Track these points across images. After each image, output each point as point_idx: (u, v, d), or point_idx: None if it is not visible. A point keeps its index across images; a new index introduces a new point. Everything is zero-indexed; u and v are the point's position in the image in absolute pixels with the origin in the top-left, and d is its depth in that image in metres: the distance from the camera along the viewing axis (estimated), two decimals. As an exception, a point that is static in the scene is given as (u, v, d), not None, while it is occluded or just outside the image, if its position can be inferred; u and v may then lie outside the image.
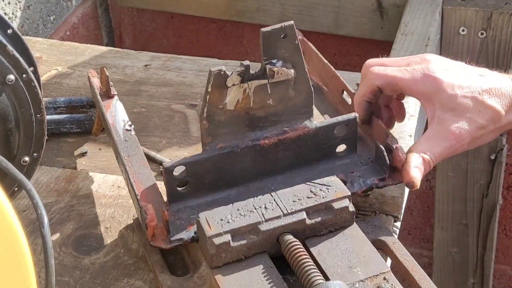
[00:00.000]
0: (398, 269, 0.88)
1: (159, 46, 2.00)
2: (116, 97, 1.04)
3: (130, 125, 1.00)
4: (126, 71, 1.32)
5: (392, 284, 0.83)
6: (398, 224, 1.01)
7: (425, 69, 0.93)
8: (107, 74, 1.04)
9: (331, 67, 1.07)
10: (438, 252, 1.95)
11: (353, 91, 1.02)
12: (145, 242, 0.92)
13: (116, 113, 1.01)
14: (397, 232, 1.01)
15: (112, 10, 1.92)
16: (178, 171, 0.89)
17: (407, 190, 1.08)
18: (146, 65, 1.33)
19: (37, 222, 0.71)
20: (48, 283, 0.71)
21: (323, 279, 0.81)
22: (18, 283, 0.63)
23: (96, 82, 1.06)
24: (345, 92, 1.04)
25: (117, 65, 1.34)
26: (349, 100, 1.03)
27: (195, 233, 0.88)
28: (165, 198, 0.91)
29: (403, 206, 1.04)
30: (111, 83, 1.04)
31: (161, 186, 0.91)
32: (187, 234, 0.88)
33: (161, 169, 1.08)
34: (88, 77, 1.08)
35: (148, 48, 1.97)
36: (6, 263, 0.62)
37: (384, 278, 0.84)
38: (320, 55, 1.09)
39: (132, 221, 1.00)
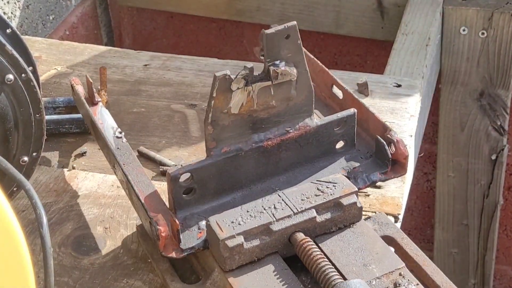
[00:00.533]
0: (409, 264, 0.88)
1: (158, 45, 2.00)
2: (100, 104, 1.03)
3: (120, 132, 0.99)
4: (126, 70, 1.32)
5: (408, 279, 0.83)
6: (398, 224, 1.01)
7: None
8: (91, 81, 1.03)
9: (318, 62, 1.07)
10: (438, 253, 1.95)
11: (343, 85, 1.02)
12: (152, 251, 0.92)
13: (104, 121, 1.00)
14: (398, 233, 1.01)
15: (111, 10, 1.92)
16: (183, 178, 0.89)
17: (407, 190, 1.08)
18: (145, 65, 1.33)
19: (36, 222, 0.71)
20: (47, 283, 0.71)
21: (341, 279, 0.82)
22: (17, 283, 0.63)
23: (80, 89, 1.05)
24: (334, 86, 1.04)
25: (117, 64, 1.33)
26: (339, 94, 1.03)
27: (205, 240, 0.87)
28: (166, 204, 0.91)
29: (403, 206, 1.04)
30: (94, 89, 1.03)
31: (159, 187, 0.91)
32: (197, 242, 0.87)
33: (161, 170, 1.08)
34: (72, 85, 1.07)
35: (147, 47, 1.97)
36: (5, 263, 0.62)
37: (400, 274, 0.84)
38: (305, 50, 1.09)
39: (130, 224, 1.00)
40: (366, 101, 1.20)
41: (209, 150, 0.90)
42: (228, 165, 0.91)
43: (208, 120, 0.87)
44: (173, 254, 0.86)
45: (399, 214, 1.01)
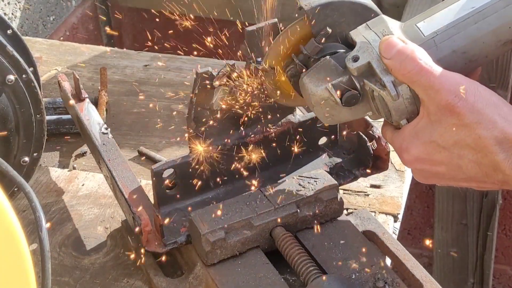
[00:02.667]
0: (390, 258, 0.89)
1: (159, 46, 1.99)
2: (87, 100, 1.03)
3: (106, 128, 0.99)
4: (126, 71, 1.32)
5: (387, 273, 0.84)
6: (398, 224, 1.01)
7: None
8: (77, 77, 1.03)
9: None
10: (438, 252, 1.95)
11: None
12: (136, 246, 0.92)
13: (90, 117, 1.00)
14: (397, 232, 1.01)
15: (112, 10, 1.92)
16: (166, 174, 0.90)
17: (406, 190, 1.08)
18: (146, 65, 1.33)
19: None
20: (44, 286, 0.71)
21: (321, 273, 0.82)
22: (18, 283, 0.63)
23: (67, 86, 1.05)
24: None
25: (117, 65, 1.34)
26: None
27: (188, 235, 0.88)
28: (151, 200, 0.92)
29: (403, 206, 1.04)
30: (81, 85, 1.03)
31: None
32: (180, 236, 0.88)
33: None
34: (58, 81, 1.06)
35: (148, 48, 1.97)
36: (5, 263, 0.62)
37: (380, 268, 0.85)
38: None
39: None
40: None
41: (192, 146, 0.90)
42: (211, 161, 0.91)
43: (190, 117, 0.88)
44: (156, 249, 0.87)
45: (398, 213, 1.01)
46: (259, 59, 0.87)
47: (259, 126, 0.93)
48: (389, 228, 0.99)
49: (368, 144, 0.94)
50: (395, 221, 1.01)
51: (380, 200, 1.02)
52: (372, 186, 1.05)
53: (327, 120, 0.81)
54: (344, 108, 0.79)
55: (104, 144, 0.96)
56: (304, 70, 0.81)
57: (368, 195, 1.03)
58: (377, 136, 0.94)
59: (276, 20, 0.87)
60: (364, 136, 0.95)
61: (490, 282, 1.94)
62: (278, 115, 0.93)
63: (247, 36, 0.86)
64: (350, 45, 0.80)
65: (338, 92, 0.78)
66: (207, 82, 0.86)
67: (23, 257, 0.63)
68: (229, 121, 0.91)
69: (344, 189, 1.04)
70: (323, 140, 0.98)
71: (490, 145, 0.73)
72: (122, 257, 0.95)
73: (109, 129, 0.99)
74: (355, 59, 0.77)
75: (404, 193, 1.06)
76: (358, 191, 1.04)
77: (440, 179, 0.79)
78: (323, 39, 0.81)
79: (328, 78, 0.79)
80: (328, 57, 0.80)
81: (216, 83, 0.86)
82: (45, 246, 0.71)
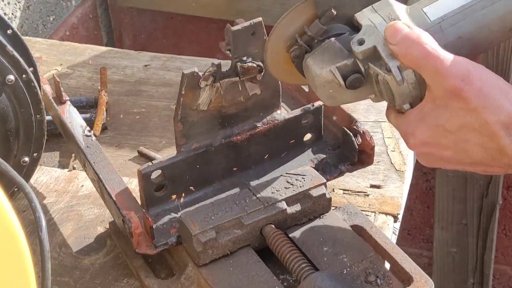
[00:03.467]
0: (379, 252, 0.89)
1: (159, 46, 2.00)
2: (68, 103, 1.03)
3: (89, 131, 0.99)
4: (126, 71, 1.32)
5: (378, 267, 0.85)
6: (398, 224, 1.01)
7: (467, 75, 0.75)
8: (58, 80, 1.03)
9: None
10: (438, 252, 1.95)
11: None
12: (126, 248, 0.92)
13: (72, 119, 1.00)
14: (397, 233, 1.01)
15: (111, 10, 1.92)
16: (154, 175, 0.90)
17: (406, 190, 1.08)
18: (146, 65, 1.33)
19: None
20: (44, 286, 0.71)
21: (313, 270, 0.83)
22: (18, 283, 0.63)
23: (48, 89, 1.05)
24: None
25: (117, 65, 1.34)
26: (305, 87, 1.04)
27: (178, 235, 0.88)
28: (139, 201, 0.92)
29: (403, 206, 1.04)
30: (62, 88, 1.03)
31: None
32: (170, 238, 0.88)
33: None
34: None
35: (148, 48, 1.97)
36: (5, 263, 0.62)
37: (371, 262, 0.85)
38: None
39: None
40: (366, 101, 1.21)
41: (179, 146, 0.91)
42: (198, 161, 0.92)
43: (177, 117, 0.88)
44: (147, 251, 0.87)
45: (398, 213, 1.01)
46: (244, 58, 0.88)
47: (245, 125, 0.93)
48: (389, 228, 0.99)
49: (353, 139, 0.95)
50: (395, 221, 1.01)
51: (380, 200, 1.02)
52: (372, 186, 1.05)
53: (329, 102, 0.82)
54: (347, 91, 0.79)
55: (88, 146, 0.96)
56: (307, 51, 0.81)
57: (368, 195, 1.03)
58: (361, 131, 0.95)
59: (260, 19, 0.87)
60: (348, 131, 0.95)
61: (490, 282, 1.94)
62: (263, 113, 0.94)
63: (233, 35, 0.86)
64: (354, 27, 0.80)
65: (342, 75, 0.78)
66: (193, 82, 0.86)
67: (23, 257, 0.63)
68: (216, 120, 0.91)
69: (344, 189, 1.04)
70: (308, 136, 0.98)
71: (496, 130, 0.73)
72: (122, 257, 0.95)
73: (92, 131, 0.99)
74: (361, 42, 0.77)
75: (404, 193, 1.06)
76: (358, 191, 1.04)
77: (446, 163, 0.79)
78: (328, 20, 0.81)
79: (332, 61, 0.79)
80: (333, 39, 0.80)
81: (203, 83, 0.87)
82: (45, 247, 0.71)
